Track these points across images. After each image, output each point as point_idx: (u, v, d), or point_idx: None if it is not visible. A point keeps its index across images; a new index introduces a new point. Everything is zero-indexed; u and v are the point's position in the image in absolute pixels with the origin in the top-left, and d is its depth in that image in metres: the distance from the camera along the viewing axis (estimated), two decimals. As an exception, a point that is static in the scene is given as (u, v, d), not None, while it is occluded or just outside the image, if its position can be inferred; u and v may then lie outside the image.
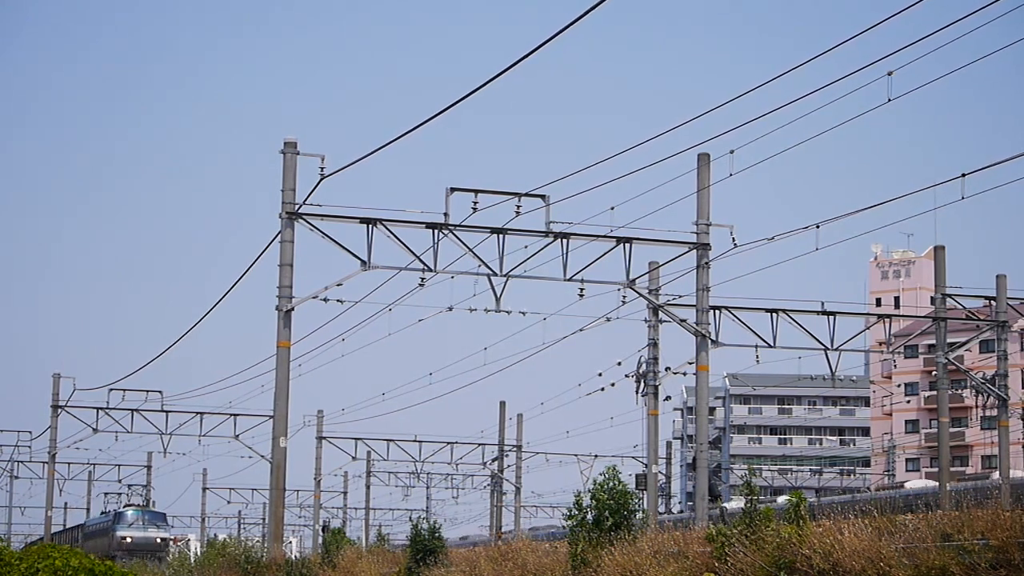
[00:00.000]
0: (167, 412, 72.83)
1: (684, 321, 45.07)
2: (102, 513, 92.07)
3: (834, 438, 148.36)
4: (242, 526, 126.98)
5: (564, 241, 42.18)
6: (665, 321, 48.76)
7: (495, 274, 41.98)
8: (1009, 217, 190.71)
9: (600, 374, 57.97)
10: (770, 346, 46.43)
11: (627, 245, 42.93)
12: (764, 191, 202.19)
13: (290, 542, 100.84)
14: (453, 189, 41.32)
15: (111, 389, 71.22)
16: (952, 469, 67.35)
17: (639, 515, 29.88)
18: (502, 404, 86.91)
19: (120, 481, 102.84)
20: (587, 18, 23.82)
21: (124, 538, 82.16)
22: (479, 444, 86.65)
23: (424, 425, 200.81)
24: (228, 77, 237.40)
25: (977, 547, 20.27)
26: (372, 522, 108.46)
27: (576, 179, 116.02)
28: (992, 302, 54.26)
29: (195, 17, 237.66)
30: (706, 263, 43.66)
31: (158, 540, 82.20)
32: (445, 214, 41.24)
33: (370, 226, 41.05)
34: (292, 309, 41.63)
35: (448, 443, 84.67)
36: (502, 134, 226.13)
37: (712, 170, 43.59)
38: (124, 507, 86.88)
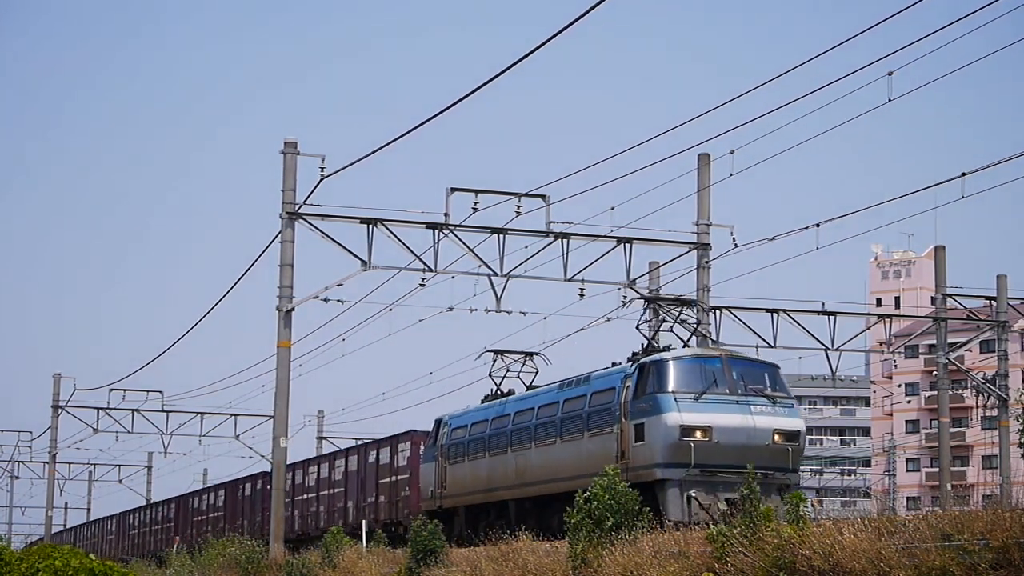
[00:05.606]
0: (167, 412, 72.83)
1: (684, 321, 45.01)
2: (571, 383, 36.67)
3: (834, 438, 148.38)
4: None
5: (564, 241, 42.18)
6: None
7: (495, 274, 41.98)
8: (1009, 217, 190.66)
9: (600, 374, 57.84)
10: (770, 346, 46.43)
11: (627, 245, 42.92)
12: (764, 191, 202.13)
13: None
14: (453, 189, 41.34)
15: (111, 389, 71.28)
16: (952, 469, 67.30)
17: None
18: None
19: (121, 481, 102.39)
20: (587, 18, 23.85)
21: (691, 429, 31.70)
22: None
23: (424, 425, 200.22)
24: (228, 76, 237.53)
25: (977, 547, 20.27)
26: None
27: (576, 179, 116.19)
28: (992, 302, 54.29)
29: (194, 16, 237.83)
30: (706, 263, 43.64)
31: (775, 437, 33.10)
32: (445, 214, 41.25)
33: (370, 226, 41.05)
34: (292, 309, 41.67)
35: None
36: (502, 134, 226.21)
37: (712, 170, 43.59)
38: (664, 350, 35.10)
